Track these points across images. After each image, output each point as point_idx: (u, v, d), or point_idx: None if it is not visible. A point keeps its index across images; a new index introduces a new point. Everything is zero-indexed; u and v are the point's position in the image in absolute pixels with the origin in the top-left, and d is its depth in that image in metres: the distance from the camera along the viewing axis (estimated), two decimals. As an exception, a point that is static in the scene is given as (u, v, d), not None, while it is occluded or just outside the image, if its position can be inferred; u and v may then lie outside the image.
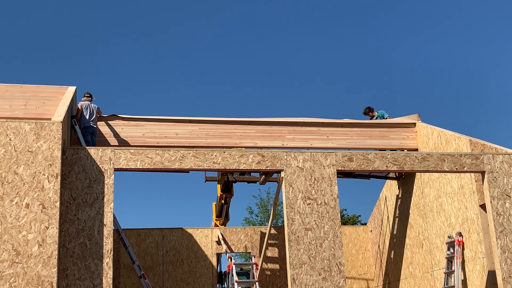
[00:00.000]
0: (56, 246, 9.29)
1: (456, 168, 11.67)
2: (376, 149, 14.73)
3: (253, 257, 14.82)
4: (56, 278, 9.15)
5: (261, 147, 14.12)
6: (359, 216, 35.89)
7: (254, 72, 54.86)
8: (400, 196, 16.10)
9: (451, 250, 13.32)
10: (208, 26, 55.51)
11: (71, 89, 12.97)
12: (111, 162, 10.35)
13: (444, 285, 13.28)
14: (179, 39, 55.59)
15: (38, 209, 9.38)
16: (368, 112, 15.87)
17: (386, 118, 15.62)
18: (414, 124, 15.28)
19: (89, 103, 13.11)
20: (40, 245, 9.23)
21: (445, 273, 13.36)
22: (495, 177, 11.68)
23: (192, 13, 54.64)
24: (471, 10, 51.94)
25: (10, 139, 9.60)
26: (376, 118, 15.71)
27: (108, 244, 9.93)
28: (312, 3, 54.16)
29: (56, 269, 9.19)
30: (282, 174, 11.08)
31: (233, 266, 13.99)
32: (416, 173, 15.01)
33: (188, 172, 12.34)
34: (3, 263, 9.05)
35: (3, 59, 52.38)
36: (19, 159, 9.54)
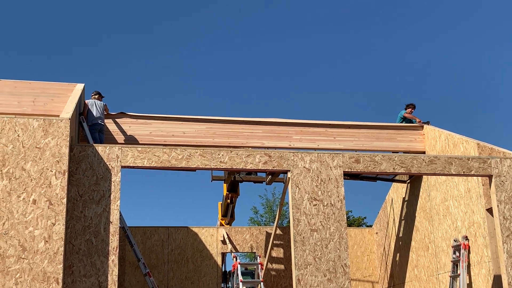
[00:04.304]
0: (62, 242, 9.32)
1: (464, 172, 11.62)
2: (383, 151, 14.69)
3: (258, 257, 14.81)
4: (61, 274, 9.18)
5: (268, 147, 14.11)
6: (365, 218, 35.83)
7: (262, 74, 54.85)
8: (406, 198, 16.06)
9: (457, 253, 13.28)
10: (218, 27, 55.55)
11: (80, 86, 12.99)
12: (118, 160, 10.38)
13: (449, 289, 13.24)
14: (188, 40, 55.68)
15: (45, 205, 9.41)
16: (412, 108, 15.53)
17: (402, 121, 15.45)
18: (422, 127, 15.25)
19: (96, 100, 13.15)
20: (47, 241, 9.26)
21: (450, 276, 13.32)
22: (502, 181, 11.64)
23: (202, 15, 54.70)
24: (478, 12, 51.74)
25: (18, 135, 9.63)
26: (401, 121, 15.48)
27: (114, 241, 9.96)
28: (322, 5, 54.11)
29: (62, 265, 9.22)
30: (289, 174, 11.07)
31: (238, 265, 13.99)
32: (423, 176, 14.97)
33: (195, 171, 12.35)
34: (10, 259, 9.09)
35: (13, 57, 52.59)
36: (27, 155, 9.57)
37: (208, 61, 55.63)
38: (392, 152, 14.58)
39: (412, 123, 15.47)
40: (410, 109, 15.55)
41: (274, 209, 36.76)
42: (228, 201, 17.45)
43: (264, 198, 37.37)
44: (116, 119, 13.67)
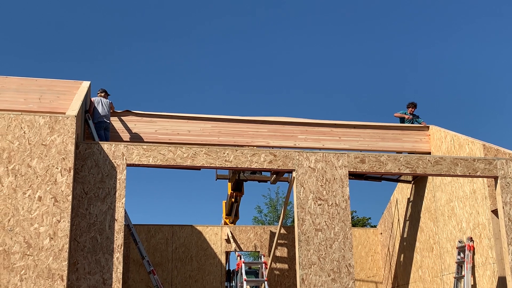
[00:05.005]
0: (67, 239, 9.35)
1: (469, 173, 11.60)
2: (388, 152, 14.66)
3: (262, 256, 14.80)
4: (66, 271, 9.20)
5: (273, 147, 14.11)
6: (369, 218, 35.77)
7: (268, 74, 54.85)
8: (411, 199, 16.03)
9: (462, 255, 13.25)
10: (224, 27, 55.58)
11: (86, 84, 13.02)
12: (124, 158, 10.39)
13: (454, 290, 13.21)
14: (194, 40, 55.72)
15: (51, 202, 9.43)
16: (412, 107, 15.58)
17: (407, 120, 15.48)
18: (428, 127, 15.22)
19: (101, 98, 13.18)
20: (52, 238, 9.29)
21: (454, 277, 13.30)
22: (508, 183, 11.59)
23: (209, 15, 54.74)
24: (483, 11, 51.58)
25: (24, 132, 9.66)
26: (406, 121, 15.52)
27: (118, 239, 9.97)
28: (329, 4, 54.08)
29: (66, 262, 9.24)
30: (294, 174, 11.06)
31: (242, 264, 13.99)
32: (428, 177, 14.94)
33: (200, 169, 12.35)
34: (15, 255, 9.11)
35: (20, 54, 52.76)
36: (32, 152, 9.60)
37: (214, 61, 55.67)
38: (397, 153, 14.56)
39: (415, 122, 15.47)
40: (411, 109, 15.58)
41: (277, 208, 36.77)
42: (233, 200, 17.45)
43: (267, 197, 37.41)
44: (122, 117, 13.70)
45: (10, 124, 9.66)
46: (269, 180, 15.44)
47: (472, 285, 12.96)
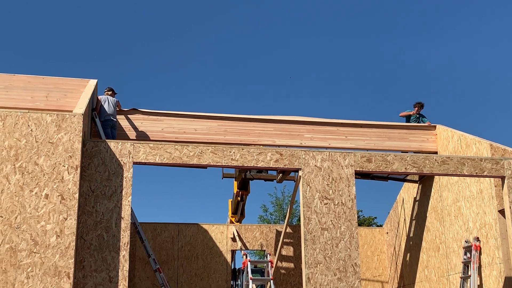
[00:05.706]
0: (74, 237, 9.38)
1: (476, 173, 11.56)
2: (395, 151, 14.63)
3: (268, 255, 14.80)
4: (73, 269, 9.24)
5: (279, 145, 14.10)
6: (375, 218, 35.70)
7: (273, 73, 54.83)
8: (417, 198, 16.00)
9: (468, 254, 13.22)
10: (230, 25, 55.64)
11: (93, 82, 13.05)
12: (130, 156, 10.41)
13: (460, 290, 13.18)
14: (200, 39, 55.76)
15: (57, 200, 9.46)
16: (418, 107, 15.57)
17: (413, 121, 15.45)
18: (434, 127, 15.18)
19: (108, 96, 13.20)
20: (58, 235, 9.32)
21: (461, 277, 13.27)
22: (515, 183, 11.55)
23: (214, 14, 54.77)
24: (490, 10, 51.37)
25: (31, 130, 9.69)
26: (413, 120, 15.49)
27: (125, 237, 10.00)
28: (334, 4, 54.05)
29: (73, 260, 9.27)
30: (300, 173, 11.06)
31: (248, 263, 13.99)
32: (435, 176, 14.90)
33: (206, 168, 12.37)
34: (21, 253, 9.15)
35: (27, 54, 52.96)
36: (39, 150, 9.63)
37: (221, 60, 55.71)
38: (404, 152, 14.52)
39: (421, 121, 15.43)
40: (417, 108, 15.56)
41: (283, 207, 36.75)
42: (239, 198, 17.46)
43: (273, 196, 37.36)
44: (128, 115, 13.71)
45: (17, 122, 9.69)
46: (275, 179, 15.44)
47: (478, 285, 12.93)
